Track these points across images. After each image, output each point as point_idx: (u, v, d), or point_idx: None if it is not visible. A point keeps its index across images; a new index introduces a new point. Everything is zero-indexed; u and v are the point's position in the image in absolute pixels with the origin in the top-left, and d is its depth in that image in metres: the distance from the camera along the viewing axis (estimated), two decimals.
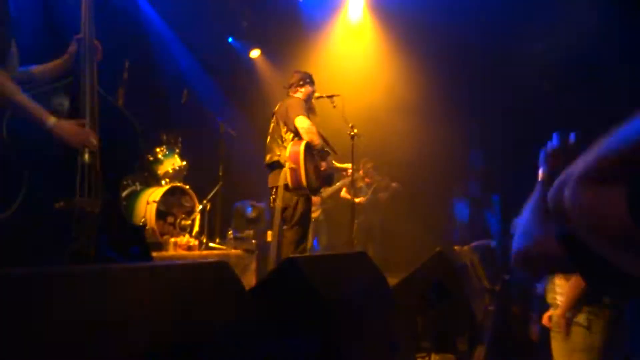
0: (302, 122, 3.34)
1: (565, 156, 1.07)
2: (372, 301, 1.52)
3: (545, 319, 2.62)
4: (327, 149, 3.64)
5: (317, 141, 3.38)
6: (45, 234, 1.82)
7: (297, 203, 3.37)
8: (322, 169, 3.52)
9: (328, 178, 3.61)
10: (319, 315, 1.13)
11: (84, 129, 1.92)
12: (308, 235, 3.58)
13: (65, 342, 0.62)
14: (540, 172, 1.08)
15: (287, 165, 3.29)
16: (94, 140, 1.91)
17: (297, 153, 3.30)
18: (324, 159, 3.58)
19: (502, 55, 5.54)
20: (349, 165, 3.70)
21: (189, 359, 0.77)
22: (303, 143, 3.33)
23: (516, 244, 0.97)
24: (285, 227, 3.46)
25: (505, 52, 5.52)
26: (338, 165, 3.70)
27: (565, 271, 0.97)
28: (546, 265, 0.95)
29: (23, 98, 1.80)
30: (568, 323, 2.39)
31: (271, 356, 0.94)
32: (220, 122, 4.95)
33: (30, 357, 0.60)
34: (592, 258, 0.81)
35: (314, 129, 3.37)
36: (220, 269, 0.91)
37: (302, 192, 3.36)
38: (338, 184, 5.48)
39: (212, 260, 0.91)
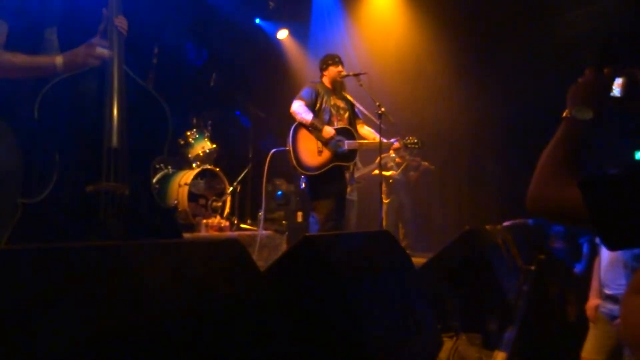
0: (294, 105, 3.52)
1: (595, 89, 1.00)
2: (394, 280, 1.49)
3: (589, 310, 2.50)
4: (347, 126, 3.64)
5: (305, 120, 3.47)
6: (77, 217, 1.87)
7: (314, 182, 3.48)
8: (345, 147, 3.54)
9: (349, 155, 3.60)
10: (336, 294, 1.11)
11: (88, 44, 1.89)
12: (339, 212, 3.59)
13: (73, 317, 0.63)
14: (566, 109, 1.01)
15: (287, 148, 3.49)
16: (106, 52, 1.89)
17: (288, 136, 3.49)
18: (348, 137, 3.59)
19: (539, 26, 5.26)
20: (392, 143, 3.67)
21: (200, 336, 0.78)
22: (293, 126, 3.50)
23: (533, 186, 0.92)
24: (312, 210, 3.56)
25: (542, 21, 5.24)
26: (385, 141, 3.64)
27: (577, 222, 0.93)
28: (561, 214, 0.90)
29: (21, 57, 1.81)
30: None
31: (285, 334, 0.94)
32: (249, 104, 4.98)
33: (51, 328, 0.62)
34: (610, 209, 0.77)
35: (301, 109, 3.47)
36: (232, 247, 0.91)
37: (298, 172, 3.52)
38: (370, 166, 5.45)
39: (223, 237, 0.91)
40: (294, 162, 3.44)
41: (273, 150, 3.84)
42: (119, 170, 1.91)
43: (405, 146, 3.65)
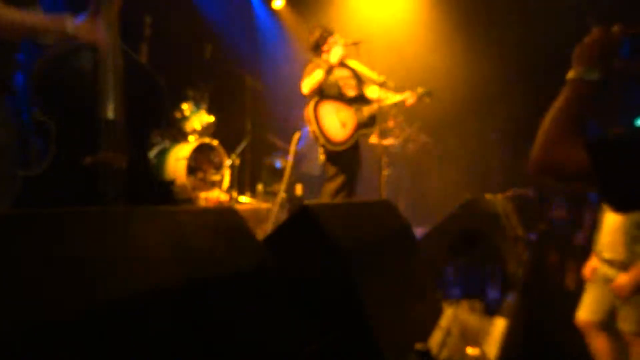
0: (303, 88, 3.39)
1: (603, 48, 0.97)
2: (395, 249, 1.48)
3: (586, 270, 2.53)
4: (361, 92, 3.59)
5: (318, 78, 3.36)
6: (75, 189, 1.87)
7: (337, 156, 3.44)
8: (364, 114, 3.50)
9: (370, 121, 3.56)
10: (335, 263, 1.10)
11: (99, 25, 1.86)
12: (350, 185, 3.58)
13: (67, 283, 0.62)
14: (572, 70, 0.98)
15: (310, 129, 3.39)
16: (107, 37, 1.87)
17: (309, 114, 3.37)
18: (364, 103, 3.55)
19: None
20: (405, 95, 3.62)
21: (197, 305, 0.77)
22: (312, 104, 3.37)
23: (537, 149, 0.90)
24: (326, 180, 3.55)
25: None
26: (395, 99, 3.60)
27: (583, 184, 0.92)
28: (565, 175, 0.88)
29: (27, 16, 1.72)
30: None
31: (283, 303, 0.93)
32: (246, 76, 4.90)
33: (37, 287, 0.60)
34: (617, 171, 0.75)
35: (311, 82, 3.35)
36: (229, 216, 0.89)
37: (331, 148, 3.40)
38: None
39: (221, 206, 0.89)
40: (323, 139, 3.35)
41: (299, 134, 3.74)
42: (116, 142, 1.89)
43: (419, 97, 3.59)
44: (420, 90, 3.58)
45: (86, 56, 1.93)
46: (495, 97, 5.64)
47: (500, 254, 2.35)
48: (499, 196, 3.26)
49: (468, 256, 2.16)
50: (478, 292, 1.92)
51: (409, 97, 3.61)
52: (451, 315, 1.65)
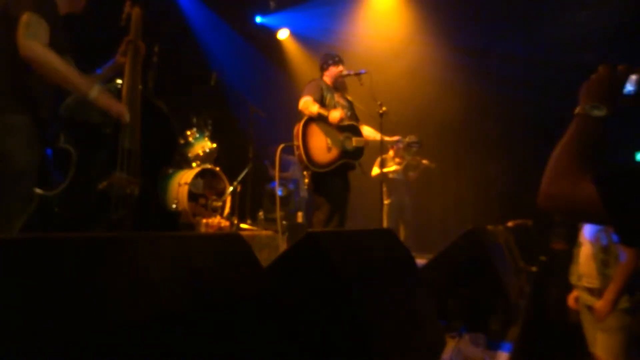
0: (301, 102, 3.45)
1: (609, 85, 0.98)
2: (397, 279, 1.48)
3: (571, 301, 2.56)
4: (354, 123, 3.64)
5: (312, 112, 3.42)
6: (89, 211, 2.01)
7: (321, 180, 3.45)
8: (352, 144, 3.54)
9: (356, 152, 3.59)
10: (338, 291, 1.10)
11: (120, 104, 2.11)
12: (340, 213, 3.57)
13: (72, 309, 0.62)
14: (579, 106, 1.00)
15: (295, 144, 3.42)
16: (127, 116, 2.10)
17: (297, 131, 3.42)
18: (355, 134, 3.59)
19: (540, 25, 5.26)
20: (394, 139, 3.70)
21: (201, 330, 0.76)
22: (302, 121, 3.42)
23: (545, 183, 0.90)
24: (314, 209, 3.54)
25: (543, 21, 5.24)
26: (387, 138, 3.68)
27: (591, 219, 0.92)
28: (573, 210, 0.89)
29: (67, 69, 1.94)
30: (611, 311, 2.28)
31: (287, 330, 0.92)
32: (249, 104, 4.97)
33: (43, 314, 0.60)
34: (626, 206, 0.75)
35: (308, 104, 3.41)
36: (234, 242, 0.90)
37: (309, 169, 3.44)
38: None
39: (226, 233, 0.90)
40: (305, 158, 3.38)
41: (282, 146, 3.79)
42: (131, 169, 2.08)
43: (408, 145, 3.66)
44: (411, 137, 3.66)
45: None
46: (496, 129, 5.70)
47: (502, 286, 2.34)
48: (501, 227, 3.26)
49: (470, 287, 2.14)
50: (481, 324, 1.89)
51: (399, 143, 3.71)
52: (454, 348, 1.63)
